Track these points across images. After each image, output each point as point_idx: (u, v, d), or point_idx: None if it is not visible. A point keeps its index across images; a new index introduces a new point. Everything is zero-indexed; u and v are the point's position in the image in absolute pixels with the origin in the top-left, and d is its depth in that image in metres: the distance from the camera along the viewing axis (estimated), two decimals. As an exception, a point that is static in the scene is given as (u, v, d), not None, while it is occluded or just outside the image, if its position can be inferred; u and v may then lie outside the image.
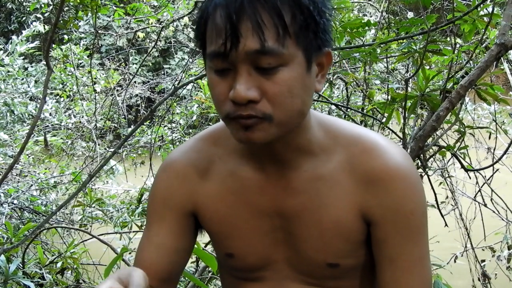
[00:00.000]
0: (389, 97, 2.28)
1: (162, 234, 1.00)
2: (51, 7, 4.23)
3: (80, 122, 5.33)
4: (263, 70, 0.81)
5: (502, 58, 2.85)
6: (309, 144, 0.93)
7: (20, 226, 3.37)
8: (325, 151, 0.94)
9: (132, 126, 5.86)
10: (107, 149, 5.33)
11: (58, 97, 5.42)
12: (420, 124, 2.17)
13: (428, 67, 2.69)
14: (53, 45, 5.22)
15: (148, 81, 7.34)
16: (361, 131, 0.96)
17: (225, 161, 0.99)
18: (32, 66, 5.72)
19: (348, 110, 3.18)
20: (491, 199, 3.32)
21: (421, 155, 2.10)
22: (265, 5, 0.78)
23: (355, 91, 3.76)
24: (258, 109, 0.81)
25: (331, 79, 3.48)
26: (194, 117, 4.74)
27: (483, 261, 3.28)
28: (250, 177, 0.96)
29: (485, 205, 3.32)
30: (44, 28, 5.15)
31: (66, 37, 5.77)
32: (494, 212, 3.35)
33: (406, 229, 0.91)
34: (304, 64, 0.83)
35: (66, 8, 4.26)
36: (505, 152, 2.49)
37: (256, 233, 0.97)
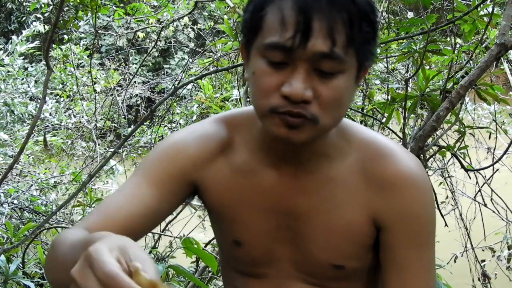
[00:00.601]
0: (389, 97, 2.28)
1: (150, 191, 0.92)
2: (51, 7, 4.23)
3: (80, 122, 5.32)
4: (322, 73, 0.80)
5: (502, 58, 2.85)
6: (326, 147, 0.93)
7: (20, 226, 3.36)
8: (339, 154, 0.94)
9: (132, 126, 5.85)
10: (107, 149, 5.32)
11: (58, 97, 5.41)
12: (420, 124, 2.17)
13: (428, 67, 2.69)
14: (53, 45, 5.21)
15: (148, 81, 7.33)
16: (375, 135, 0.97)
17: (242, 150, 0.97)
18: (32, 66, 5.71)
19: (348, 110, 3.18)
20: (491, 199, 3.32)
21: (421, 155, 2.10)
22: (342, 10, 0.77)
23: (355, 91, 3.76)
24: (308, 110, 0.80)
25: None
26: (194, 117, 4.73)
27: (483, 261, 3.28)
28: (262, 173, 0.95)
29: (485, 205, 3.32)
30: (44, 28, 5.14)
31: (66, 37, 5.75)
32: (494, 212, 3.36)
33: (415, 236, 0.92)
34: (355, 75, 0.84)
35: (66, 8, 4.26)
36: (505, 152, 2.49)
37: (262, 227, 0.96)
